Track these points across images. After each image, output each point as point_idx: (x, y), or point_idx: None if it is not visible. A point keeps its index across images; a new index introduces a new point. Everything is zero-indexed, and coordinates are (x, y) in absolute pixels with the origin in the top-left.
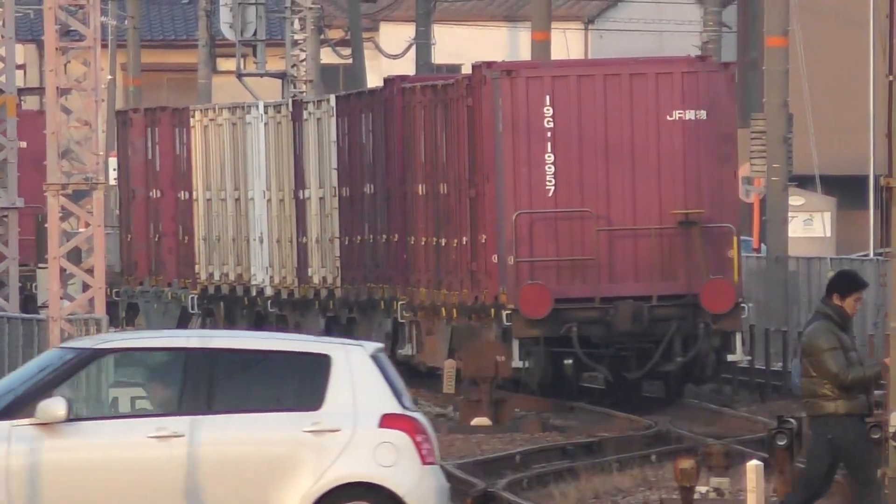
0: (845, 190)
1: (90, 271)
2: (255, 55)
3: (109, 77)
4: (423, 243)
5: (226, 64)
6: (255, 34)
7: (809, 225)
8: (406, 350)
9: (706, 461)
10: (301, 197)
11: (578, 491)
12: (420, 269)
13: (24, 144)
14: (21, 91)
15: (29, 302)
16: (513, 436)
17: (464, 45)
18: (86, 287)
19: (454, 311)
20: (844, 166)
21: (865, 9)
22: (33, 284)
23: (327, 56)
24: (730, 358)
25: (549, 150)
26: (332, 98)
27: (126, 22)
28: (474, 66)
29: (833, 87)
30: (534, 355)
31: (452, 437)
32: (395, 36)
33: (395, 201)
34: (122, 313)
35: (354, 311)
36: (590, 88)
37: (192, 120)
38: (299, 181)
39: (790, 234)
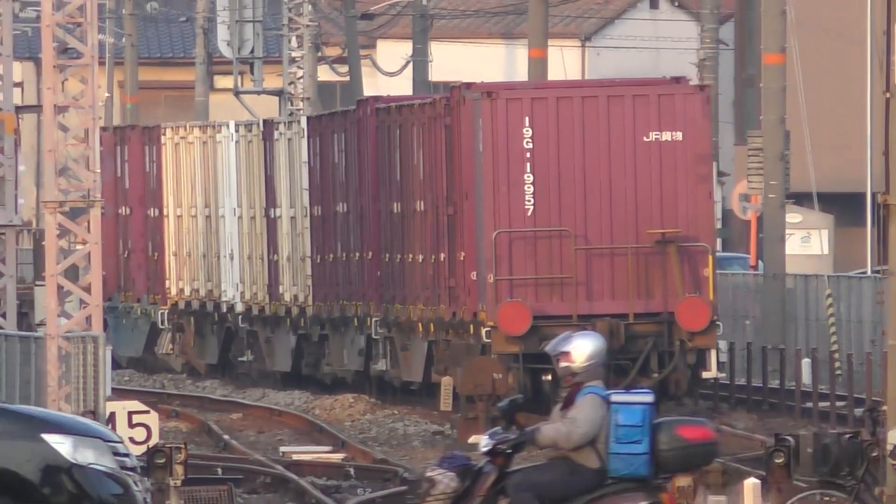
0: (843, 207)
1: (87, 289)
2: (252, 73)
3: (107, 94)
4: (398, 260)
5: (223, 81)
6: (252, 52)
7: (807, 242)
8: (380, 365)
9: (703, 479)
10: (272, 215)
11: None
12: (396, 285)
13: None
14: (19, 109)
15: None
16: None
17: (461, 62)
18: (83, 304)
19: (431, 326)
20: (842, 183)
21: (863, 26)
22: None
23: (324, 73)
24: (704, 375)
25: (528, 170)
26: (303, 119)
27: (123, 39)
28: (453, 87)
29: (830, 103)
30: (512, 371)
31: None
32: (393, 53)
33: (369, 220)
34: None
35: (326, 328)
36: (568, 110)
37: (162, 138)
38: (270, 200)
39: (788, 252)
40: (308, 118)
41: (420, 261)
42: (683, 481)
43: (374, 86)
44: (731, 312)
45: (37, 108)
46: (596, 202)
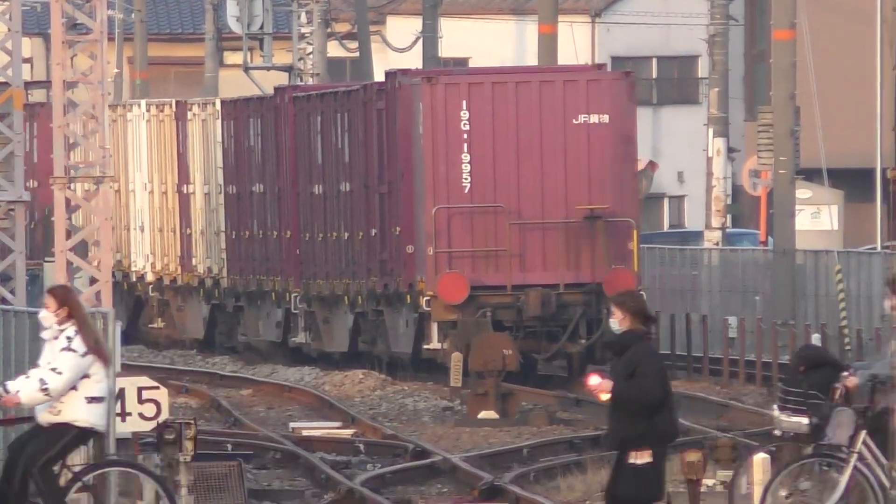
0: (852, 183)
1: (97, 265)
2: (261, 48)
3: (116, 70)
4: (319, 238)
5: (232, 57)
6: (261, 27)
7: (816, 218)
8: (299, 338)
9: (713, 454)
10: (185, 191)
11: (585, 484)
12: (318, 261)
13: None
14: (28, 84)
15: None
16: (520, 429)
17: (471, 38)
18: (93, 281)
19: (359, 299)
20: (852, 159)
21: (872, 2)
22: None
23: (334, 49)
24: None
25: (466, 150)
26: (218, 102)
27: (133, 15)
28: (388, 73)
29: (840, 79)
30: (451, 337)
31: (459, 430)
32: (402, 29)
33: (287, 201)
34: None
35: (242, 300)
36: (503, 94)
37: None
38: (183, 176)
39: (797, 228)
40: (223, 101)
41: (346, 238)
42: (693, 456)
43: (384, 61)
44: (741, 288)
45: (45, 84)
46: (529, 180)
